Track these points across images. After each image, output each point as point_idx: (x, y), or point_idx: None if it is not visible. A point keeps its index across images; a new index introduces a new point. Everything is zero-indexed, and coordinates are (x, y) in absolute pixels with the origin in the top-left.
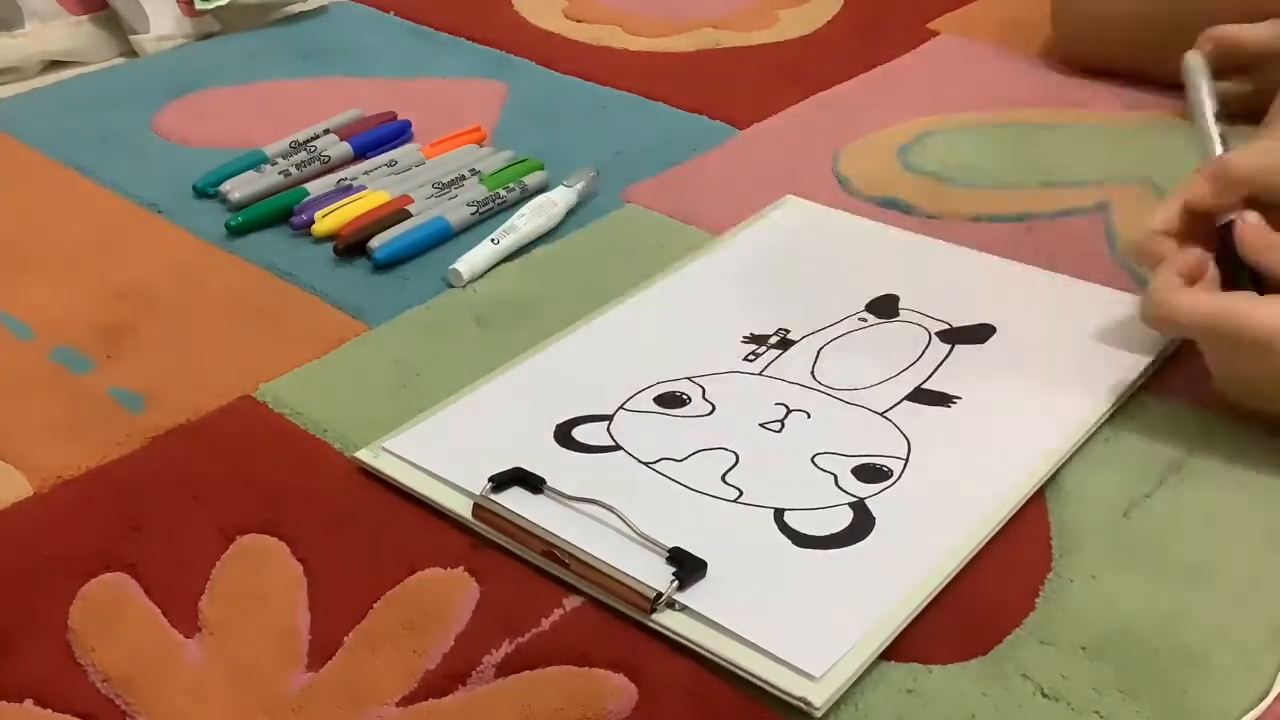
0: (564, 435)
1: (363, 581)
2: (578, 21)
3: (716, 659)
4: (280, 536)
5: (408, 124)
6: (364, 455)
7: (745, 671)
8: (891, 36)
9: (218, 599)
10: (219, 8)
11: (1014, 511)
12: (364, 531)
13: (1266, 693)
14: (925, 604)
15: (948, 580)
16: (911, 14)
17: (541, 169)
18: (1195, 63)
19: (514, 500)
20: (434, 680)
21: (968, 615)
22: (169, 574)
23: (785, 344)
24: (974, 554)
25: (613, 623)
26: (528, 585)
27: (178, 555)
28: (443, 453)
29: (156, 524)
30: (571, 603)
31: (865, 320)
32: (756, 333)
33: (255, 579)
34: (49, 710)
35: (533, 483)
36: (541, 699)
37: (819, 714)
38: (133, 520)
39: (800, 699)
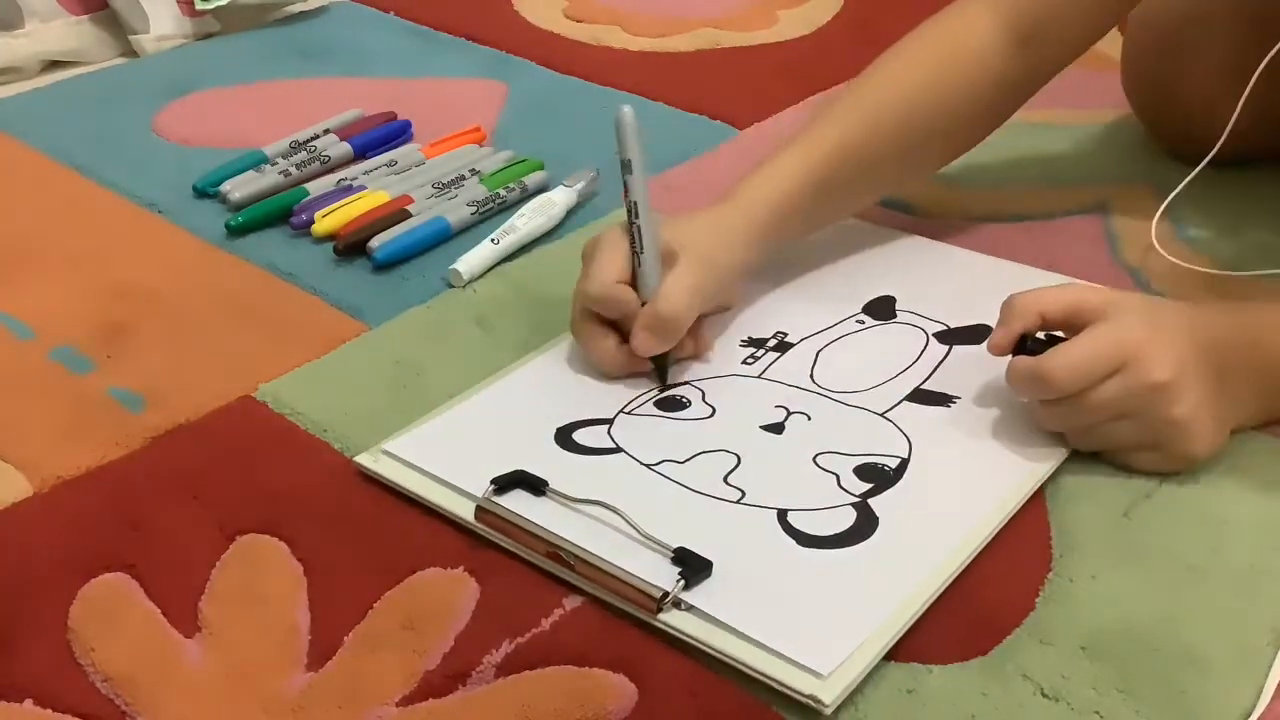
0: (565, 438)
1: (363, 581)
2: (578, 21)
3: (723, 658)
4: (280, 536)
5: (408, 124)
6: (364, 460)
7: (753, 670)
8: (891, 36)
9: (218, 599)
10: (219, 8)
11: (1016, 510)
12: (364, 531)
13: (1266, 692)
14: (930, 602)
15: (952, 579)
16: (911, 14)
17: (541, 169)
18: (629, 118)
19: (516, 502)
20: (434, 680)
21: (968, 615)
22: (169, 574)
23: (783, 346)
24: (978, 553)
25: (613, 623)
26: (528, 585)
27: (178, 555)
28: (443, 456)
29: (156, 524)
30: (571, 603)
31: (863, 322)
32: (754, 336)
33: (255, 579)
34: (49, 710)
35: (535, 485)
36: (541, 699)
37: (829, 711)
38: (133, 520)
39: (810, 697)
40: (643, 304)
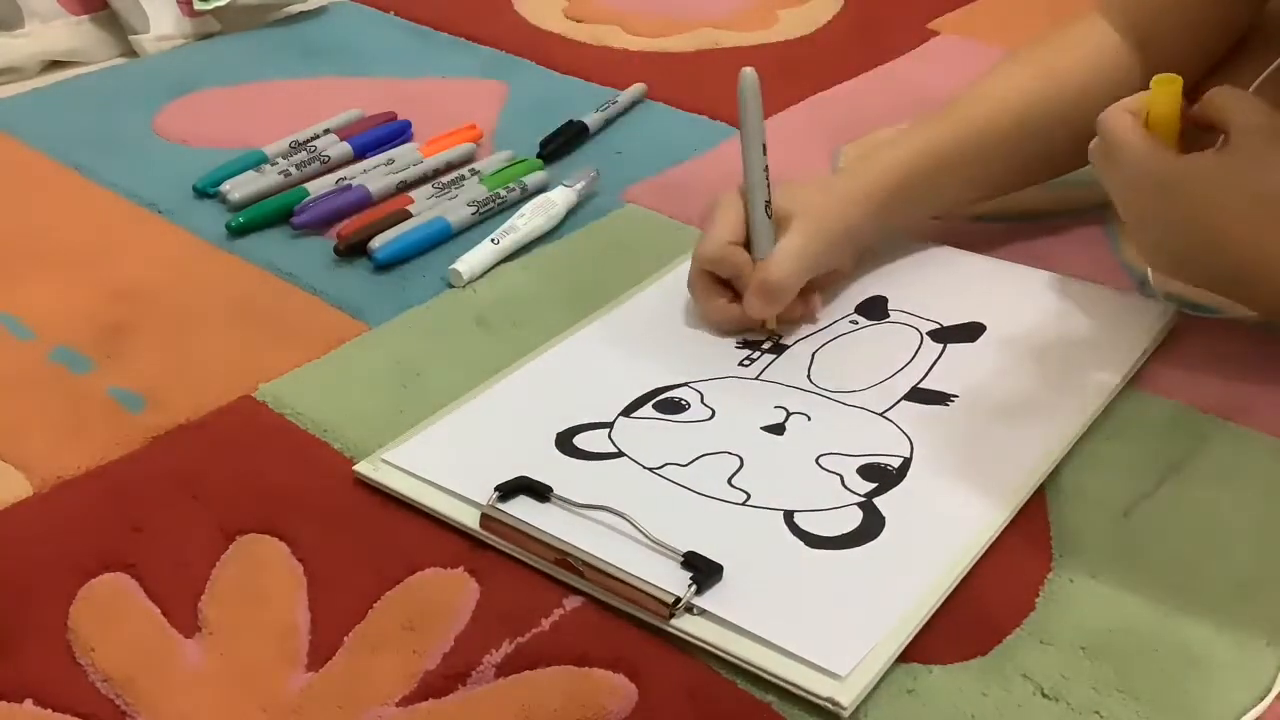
0: (566, 443)
1: (363, 581)
2: (578, 21)
3: (737, 662)
4: (280, 536)
5: (407, 124)
6: (363, 468)
7: (769, 674)
8: (891, 36)
9: (218, 599)
10: (219, 8)
11: (1018, 509)
12: (364, 531)
13: (1266, 693)
14: (941, 601)
15: (961, 577)
16: (911, 14)
17: (542, 169)
18: (750, 82)
19: (521, 509)
20: (434, 680)
21: (968, 615)
22: (169, 574)
23: (779, 348)
24: (985, 550)
25: (613, 623)
26: (528, 585)
27: (178, 555)
28: (444, 463)
29: (156, 524)
30: (571, 603)
31: (856, 322)
32: (749, 338)
33: (255, 579)
34: (49, 710)
35: (539, 491)
36: (541, 699)
37: (847, 714)
38: (133, 520)
39: (828, 699)
40: (756, 263)
